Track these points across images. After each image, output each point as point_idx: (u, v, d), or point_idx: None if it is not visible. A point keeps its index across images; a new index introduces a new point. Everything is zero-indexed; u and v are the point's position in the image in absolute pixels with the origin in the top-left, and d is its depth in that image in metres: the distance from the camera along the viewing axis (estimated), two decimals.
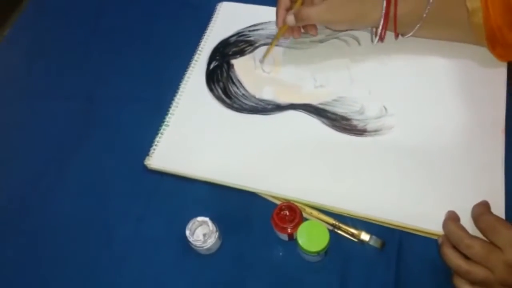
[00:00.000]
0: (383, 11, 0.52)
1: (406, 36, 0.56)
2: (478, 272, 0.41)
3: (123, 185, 0.54)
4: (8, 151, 0.58)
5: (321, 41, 0.62)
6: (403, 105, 0.56)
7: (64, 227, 0.52)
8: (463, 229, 0.44)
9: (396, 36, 0.56)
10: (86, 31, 0.67)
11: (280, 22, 0.56)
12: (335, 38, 0.62)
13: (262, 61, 0.61)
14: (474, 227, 0.44)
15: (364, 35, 0.62)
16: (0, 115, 0.61)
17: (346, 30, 0.61)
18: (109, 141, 0.57)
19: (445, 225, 0.45)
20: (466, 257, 0.42)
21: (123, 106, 0.60)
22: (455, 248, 0.43)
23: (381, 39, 0.56)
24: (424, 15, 0.52)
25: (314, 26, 0.59)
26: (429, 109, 0.55)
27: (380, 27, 0.54)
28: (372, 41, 0.57)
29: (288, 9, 0.56)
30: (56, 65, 0.65)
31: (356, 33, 0.62)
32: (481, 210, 0.45)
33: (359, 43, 0.61)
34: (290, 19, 0.54)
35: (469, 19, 0.51)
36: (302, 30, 0.59)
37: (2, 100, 0.62)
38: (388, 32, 0.56)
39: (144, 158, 0.54)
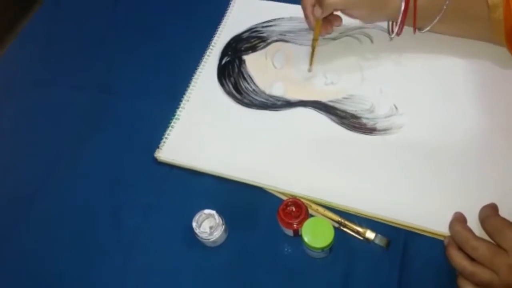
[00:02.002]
0: (404, 1, 0.51)
1: (423, 31, 0.55)
2: (483, 274, 0.41)
3: (132, 176, 0.55)
4: (22, 139, 0.60)
5: (333, 39, 0.62)
6: (414, 105, 0.55)
7: (75, 214, 0.53)
8: (469, 230, 0.43)
9: (415, 30, 0.55)
10: (101, 24, 0.69)
11: (311, 19, 0.55)
12: (348, 35, 0.62)
13: (310, 70, 0.59)
14: (481, 229, 0.44)
15: (377, 33, 0.61)
16: (16, 103, 0.63)
17: (365, 19, 0.58)
18: (121, 132, 0.58)
19: (451, 226, 0.45)
20: (471, 259, 0.42)
21: (135, 98, 0.60)
22: (461, 249, 0.43)
23: (399, 32, 0.55)
24: (445, 6, 0.51)
25: (339, 17, 0.57)
26: (440, 109, 0.55)
27: (400, 16, 0.53)
28: (389, 34, 0.56)
29: (313, 5, 0.55)
30: (71, 56, 0.66)
31: (369, 30, 0.62)
32: (489, 212, 0.44)
33: (371, 41, 0.61)
34: (317, 10, 0.54)
35: (489, 15, 0.50)
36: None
37: (18, 89, 0.64)
38: (400, 35, 0.55)
39: (154, 150, 0.55)
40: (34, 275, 0.50)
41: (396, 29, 0.55)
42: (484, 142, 0.52)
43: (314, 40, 0.57)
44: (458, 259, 0.43)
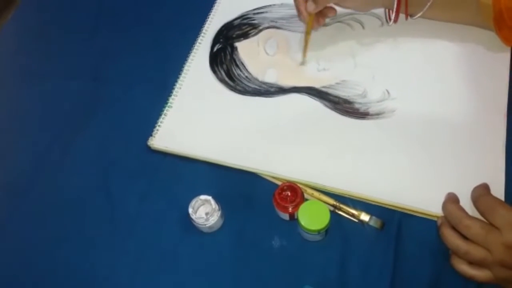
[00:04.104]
0: None
1: (415, 17, 0.56)
2: (476, 252, 0.42)
3: (126, 165, 0.54)
4: (15, 130, 0.59)
5: (325, 25, 0.62)
6: (406, 89, 0.56)
7: (68, 204, 0.52)
8: (462, 210, 0.44)
9: (407, 16, 0.55)
10: (91, 12, 0.67)
11: (305, 13, 0.55)
12: (339, 22, 0.62)
13: (303, 62, 0.59)
14: (474, 210, 0.45)
15: (368, 19, 0.62)
16: (7, 94, 0.61)
17: (360, 9, 0.59)
18: (113, 121, 0.58)
19: (444, 206, 0.46)
20: (465, 238, 0.43)
21: (127, 87, 0.60)
22: (454, 229, 0.44)
23: (396, 19, 0.55)
24: None
25: (333, 8, 0.57)
26: (432, 93, 0.55)
27: (395, 4, 0.53)
28: (387, 22, 0.57)
29: (306, 0, 0.55)
30: (61, 45, 0.65)
31: (360, 16, 0.62)
32: (481, 192, 0.45)
33: (363, 27, 0.61)
34: (310, 5, 0.53)
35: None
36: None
37: (9, 79, 0.63)
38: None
39: (147, 138, 0.55)
40: (29, 265, 0.49)
41: (393, 17, 0.55)
42: (475, 124, 0.52)
43: (307, 33, 0.57)
44: (452, 238, 0.43)
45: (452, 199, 0.46)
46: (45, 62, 0.64)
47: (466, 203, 0.46)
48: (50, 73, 0.62)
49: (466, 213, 0.44)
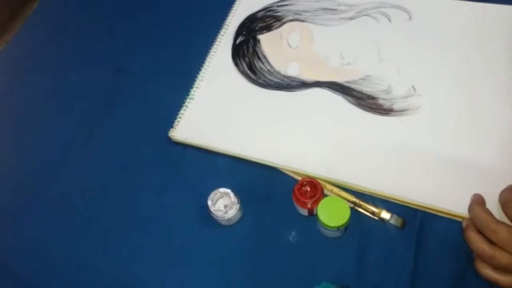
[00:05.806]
0: None
1: None
2: (502, 258, 0.40)
3: (147, 156, 0.55)
4: (38, 120, 0.60)
5: (351, 18, 0.61)
6: (432, 85, 0.54)
7: (90, 195, 0.53)
8: (489, 213, 0.43)
9: None
10: (114, 4, 0.68)
11: None
12: (365, 15, 0.61)
13: None
14: (501, 212, 0.43)
15: (395, 13, 0.60)
16: (30, 85, 0.63)
17: None
18: (135, 112, 0.58)
19: (471, 208, 0.44)
20: (491, 242, 0.41)
21: (149, 78, 0.60)
22: (480, 232, 0.42)
23: None
24: None
25: None
26: (459, 90, 0.53)
27: None
28: None
29: None
30: (84, 35, 0.66)
31: (387, 10, 0.60)
32: (510, 196, 0.43)
33: (389, 21, 0.60)
34: None
35: None
36: None
37: (32, 71, 0.64)
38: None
39: (168, 130, 0.55)
40: (49, 257, 0.50)
41: None
42: (503, 124, 0.50)
43: None
44: (478, 242, 0.42)
45: (478, 201, 0.45)
46: (68, 53, 0.64)
47: (493, 205, 0.44)
48: (72, 64, 0.63)
49: (493, 217, 0.42)
